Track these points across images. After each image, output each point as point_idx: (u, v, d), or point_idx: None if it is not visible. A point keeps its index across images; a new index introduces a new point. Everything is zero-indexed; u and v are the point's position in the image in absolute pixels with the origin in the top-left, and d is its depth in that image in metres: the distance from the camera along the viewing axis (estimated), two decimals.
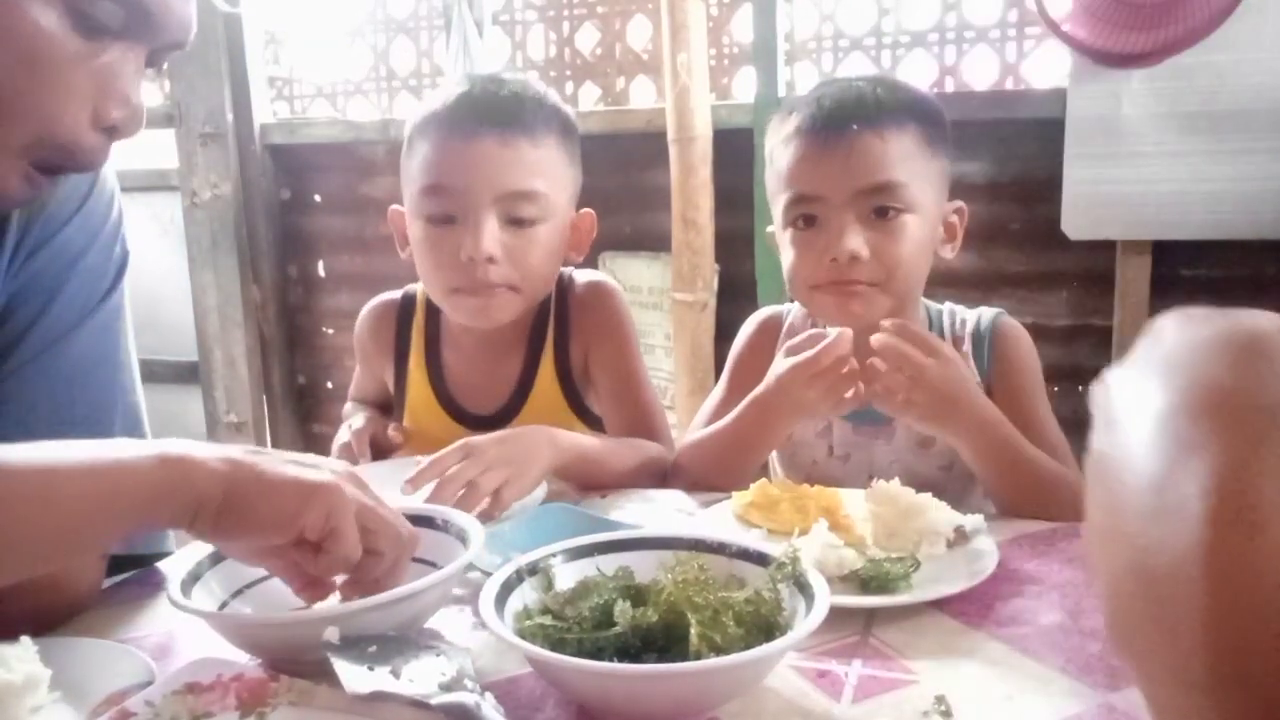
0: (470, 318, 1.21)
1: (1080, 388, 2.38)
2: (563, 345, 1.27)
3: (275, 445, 3.14)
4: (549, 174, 1.18)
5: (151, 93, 3.13)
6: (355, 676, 0.62)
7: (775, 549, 0.74)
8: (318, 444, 1.29)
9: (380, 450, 1.26)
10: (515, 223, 1.16)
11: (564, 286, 1.29)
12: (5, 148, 0.71)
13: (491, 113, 1.16)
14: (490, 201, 1.14)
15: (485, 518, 0.99)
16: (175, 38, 0.78)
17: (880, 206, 1.10)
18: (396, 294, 1.35)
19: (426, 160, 1.17)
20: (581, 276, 1.31)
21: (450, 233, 1.16)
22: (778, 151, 1.18)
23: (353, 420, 1.30)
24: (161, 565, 0.95)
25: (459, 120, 1.16)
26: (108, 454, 0.66)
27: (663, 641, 0.67)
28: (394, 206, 1.25)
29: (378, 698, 0.61)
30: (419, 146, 1.19)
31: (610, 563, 0.75)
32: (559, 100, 1.25)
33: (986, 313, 1.24)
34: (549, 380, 1.27)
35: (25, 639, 0.68)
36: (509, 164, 1.15)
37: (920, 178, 1.13)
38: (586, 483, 1.14)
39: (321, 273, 3.04)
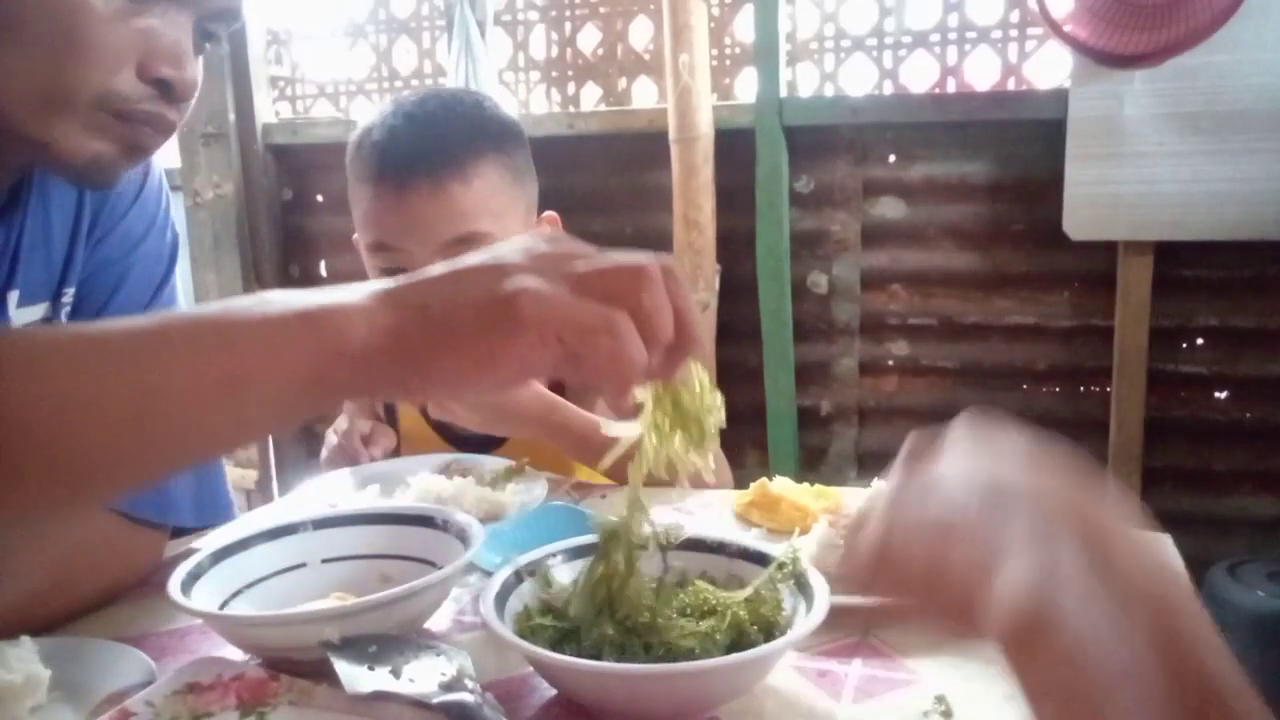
0: None
1: (1080, 388, 2.38)
2: None
3: (277, 446, 3.14)
4: (489, 210, 1.14)
5: None
6: (355, 676, 0.62)
7: (775, 549, 0.74)
8: (320, 443, 1.31)
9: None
10: None
11: None
12: (72, 107, 0.73)
13: (418, 157, 1.11)
14: (432, 253, 1.11)
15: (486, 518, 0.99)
16: (221, 6, 0.78)
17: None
18: None
19: (365, 215, 1.16)
20: None
21: None
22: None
23: (337, 424, 1.28)
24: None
25: (387, 169, 1.13)
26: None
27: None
28: (356, 236, 1.22)
29: (378, 698, 0.61)
30: (358, 191, 1.17)
31: None
32: (496, 109, 1.20)
33: None
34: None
35: (25, 639, 0.69)
36: (443, 214, 1.12)
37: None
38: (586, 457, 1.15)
39: (324, 273, 3.04)
